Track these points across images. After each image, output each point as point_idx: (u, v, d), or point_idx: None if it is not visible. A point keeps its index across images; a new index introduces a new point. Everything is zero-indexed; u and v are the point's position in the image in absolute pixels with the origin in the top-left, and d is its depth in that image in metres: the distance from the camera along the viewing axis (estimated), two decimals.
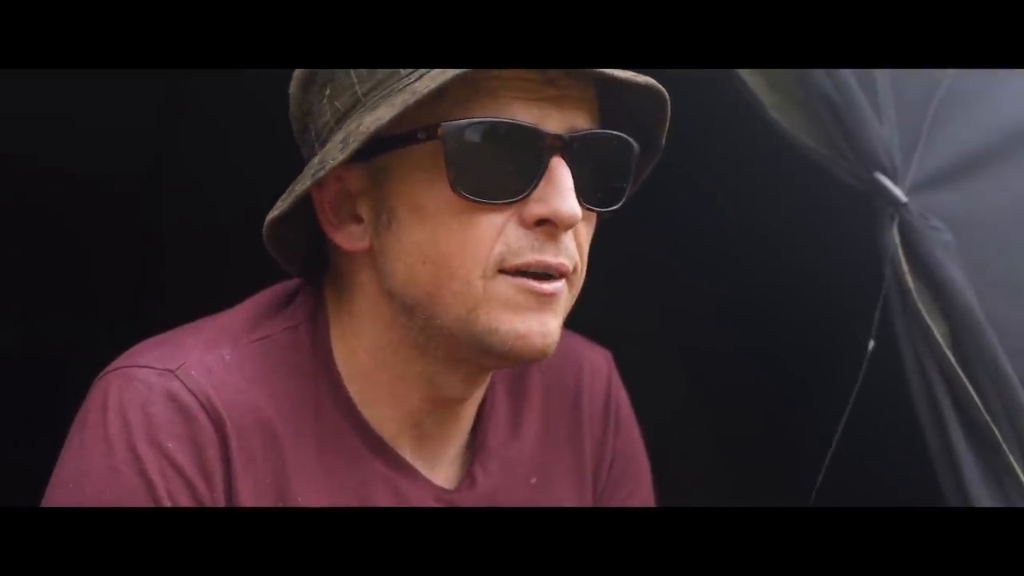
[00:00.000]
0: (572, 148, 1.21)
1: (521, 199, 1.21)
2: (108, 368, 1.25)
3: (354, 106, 1.23)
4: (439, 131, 1.19)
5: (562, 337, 1.48)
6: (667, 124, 1.30)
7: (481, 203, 1.20)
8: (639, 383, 1.55)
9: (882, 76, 1.45)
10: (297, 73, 1.30)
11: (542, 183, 1.20)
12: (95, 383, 1.25)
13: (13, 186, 2.43)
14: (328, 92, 1.26)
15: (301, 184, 1.23)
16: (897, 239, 1.42)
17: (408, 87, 1.19)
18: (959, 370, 1.40)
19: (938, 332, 1.41)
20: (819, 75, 1.42)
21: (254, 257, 1.36)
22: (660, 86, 1.25)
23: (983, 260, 1.46)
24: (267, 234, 1.27)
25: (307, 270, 1.34)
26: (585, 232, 1.27)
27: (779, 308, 2.19)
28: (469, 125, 1.19)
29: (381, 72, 1.22)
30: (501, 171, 1.20)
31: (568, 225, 1.21)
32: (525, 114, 1.20)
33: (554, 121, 1.21)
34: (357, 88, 1.23)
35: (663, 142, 1.32)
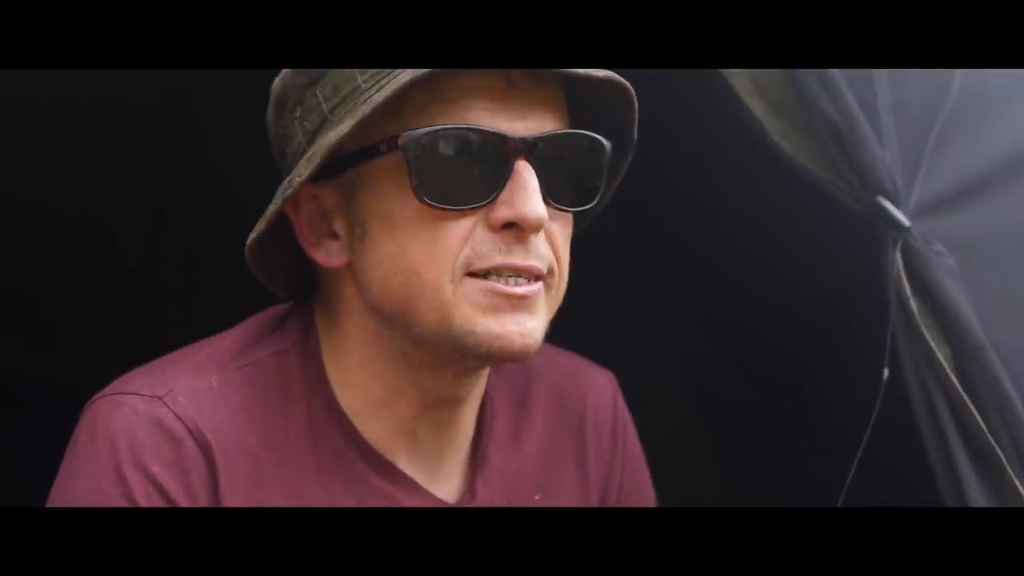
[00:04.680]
0: (537, 150, 1.21)
1: (487, 203, 1.21)
2: (97, 395, 1.27)
3: (322, 124, 1.24)
4: (399, 141, 1.20)
5: (566, 358, 1.49)
6: (636, 118, 1.29)
7: (448, 210, 1.20)
8: (642, 400, 1.56)
9: (884, 100, 1.45)
10: (271, 99, 1.30)
11: (507, 187, 1.20)
12: (85, 409, 1.26)
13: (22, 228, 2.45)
14: (298, 114, 1.27)
15: (273, 205, 1.23)
16: (900, 263, 1.42)
17: (369, 99, 1.19)
18: (962, 393, 1.40)
19: (941, 355, 1.41)
20: (821, 99, 1.43)
21: (253, 293, 1.37)
22: (622, 79, 1.25)
23: (985, 283, 1.46)
24: (250, 259, 1.27)
25: (297, 292, 1.35)
26: (561, 234, 1.26)
27: (781, 325, 2.19)
28: (429, 133, 1.19)
29: (344, 88, 1.22)
30: (466, 177, 1.20)
31: (534, 227, 1.21)
32: (488, 118, 1.20)
33: (518, 124, 1.21)
34: (323, 106, 1.24)
35: (635, 136, 1.31)
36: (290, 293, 1.36)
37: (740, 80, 1.44)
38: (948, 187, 1.48)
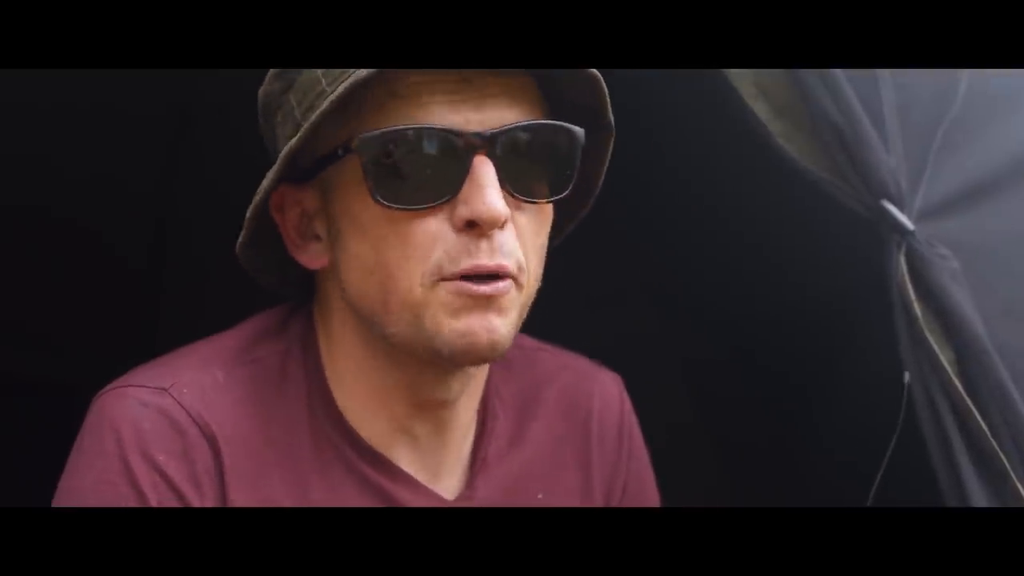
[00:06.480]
0: (496, 144, 1.18)
1: (446, 202, 1.19)
2: (104, 389, 1.28)
3: (296, 131, 1.23)
4: (353, 144, 1.19)
5: (574, 360, 1.50)
6: (607, 101, 1.25)
7: (403, 210, 1.19)
8: (644, 400, 1.56)
9: (888, 103, 1.45)
10: (259, 107, 1.30)
11: (466, 184, 1.18)
12: (92, 403, 1.27)
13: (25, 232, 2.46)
14: (279, 119, 1.27)
15: (248, 212, 1.24)
16: (904, 266, 1.42)
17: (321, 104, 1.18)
18: (966, 397, 1.40)
19: (945, 359, 1.41)
20: (825, 102, 1.42)
21: (256, 292, 1.38)
22: (587, 69, 1.21)
23: (989, 287, 1.46)
24: (243, 263, 1.29)
25: (300, 291, 1.36)
26: (531, 227, 1.24)
27: (784, 327, 2.19)
28: (380, 135, 1.18)
29: (312, 93, 1.22)
30: (423, 176, 1.19)
31: (491, 224, 1.18)
32: (447, 112, 1.18)
33: (478, 116, 1.19)
34: (296, 112, 1.24)
35: (611, 120, 1.28)
36: (292, 293, 1.36)
37: (744, 82, 1.44)
38: (953, 190, 1.48)
